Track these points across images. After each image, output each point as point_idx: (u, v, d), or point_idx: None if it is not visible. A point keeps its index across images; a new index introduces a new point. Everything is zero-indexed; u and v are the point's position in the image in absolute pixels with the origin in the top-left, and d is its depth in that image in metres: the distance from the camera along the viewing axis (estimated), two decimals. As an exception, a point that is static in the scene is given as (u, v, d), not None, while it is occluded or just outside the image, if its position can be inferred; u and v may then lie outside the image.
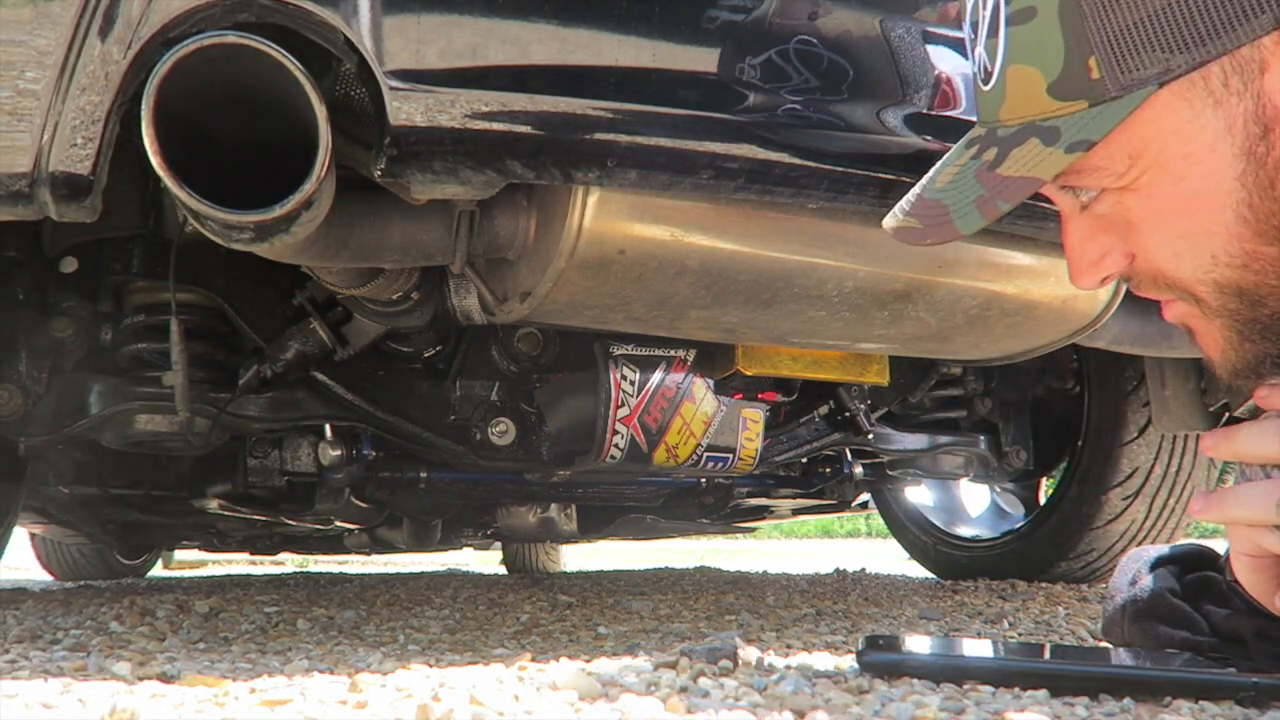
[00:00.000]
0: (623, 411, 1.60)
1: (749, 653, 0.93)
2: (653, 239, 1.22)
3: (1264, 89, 0.72)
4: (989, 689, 0.79)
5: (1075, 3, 0.73)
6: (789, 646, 1.25)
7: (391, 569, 4.99)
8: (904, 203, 0.88)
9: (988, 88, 0.81)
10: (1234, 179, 0.74)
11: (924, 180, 0.87)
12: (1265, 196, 0.73)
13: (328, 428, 1.70)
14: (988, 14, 0.80)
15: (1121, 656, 0.86)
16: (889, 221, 0.89)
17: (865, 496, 2.78)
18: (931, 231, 0.85)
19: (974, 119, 0.86)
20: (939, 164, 0.87)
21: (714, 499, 2.32)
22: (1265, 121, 0.72)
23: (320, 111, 0.95)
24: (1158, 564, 0.98)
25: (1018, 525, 2.45)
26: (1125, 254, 0.82)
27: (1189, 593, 0.94)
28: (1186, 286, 0.80)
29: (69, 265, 1.53)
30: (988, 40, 0.80)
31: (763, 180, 1.12)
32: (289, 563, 6.46)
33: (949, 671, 0.81)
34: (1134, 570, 0.99)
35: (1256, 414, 2.07)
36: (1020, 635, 1.49)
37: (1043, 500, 2.45)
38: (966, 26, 0.84)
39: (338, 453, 1.72)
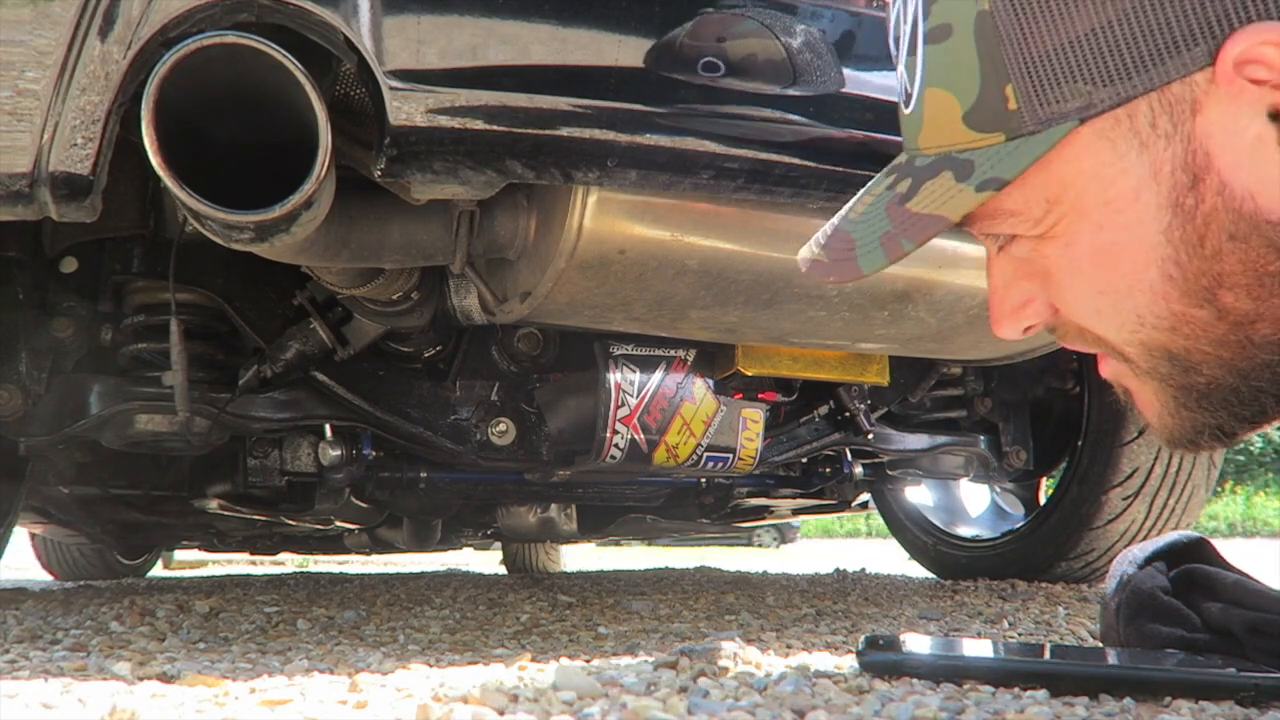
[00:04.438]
0: (623, 411, 1.60)
1: (749, 653, 0.93)
2: (653, 239, 1.22)
3: (1195, 132, 0.64)
4: (989, 689, 0.79)
5: (991, 23, 0.66)
6: (789, 646, 1.25)
7: (391, 569, 4.99)
8: (820, 233, 0.81)
9: (908, 111, 0.75)
10: (1159, 232, 0.66)
11: (844, 209, 0.80)
12: (1193, 254, 0.66)
13: (328, 428, 1.70)
14: (908, 29, 0.73)
15: (1121, 656, 0.86)
16: (803, 253, 0.82)
17: (865, 496, 2.78)
18: (836, 268, 0.77)
19: None
20: (862, 190, 0.80)
21: (714, 499, 2.32)
22: (1194, 170, 0.64)
23: (320, 111, 0.95)
24: (1145, 562, 0.98)
25: (1018, 525, 2.44)
26: (1048, 304, 0.76)
27: (1178, 588, 0.94)
28: (1112, 345, 0.74)
29: (69, 265, 1.53)
30: (908, 58, 0.73)
31: (763, 180, 1.12)
32: (289, 563, 6.46)
33: (949, 671, 0.82)
34: (1123, 572, 0.99)
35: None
36: (1020, 635, 1.49)
37: (1043, 500, 2.45)
38: (890, 42, 0.78)
39: (338, 453, 1.72)
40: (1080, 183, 0.68)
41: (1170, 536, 1.01)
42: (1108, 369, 0.78)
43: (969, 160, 0.69)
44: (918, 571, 2.91)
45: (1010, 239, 0.75)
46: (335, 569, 5.36)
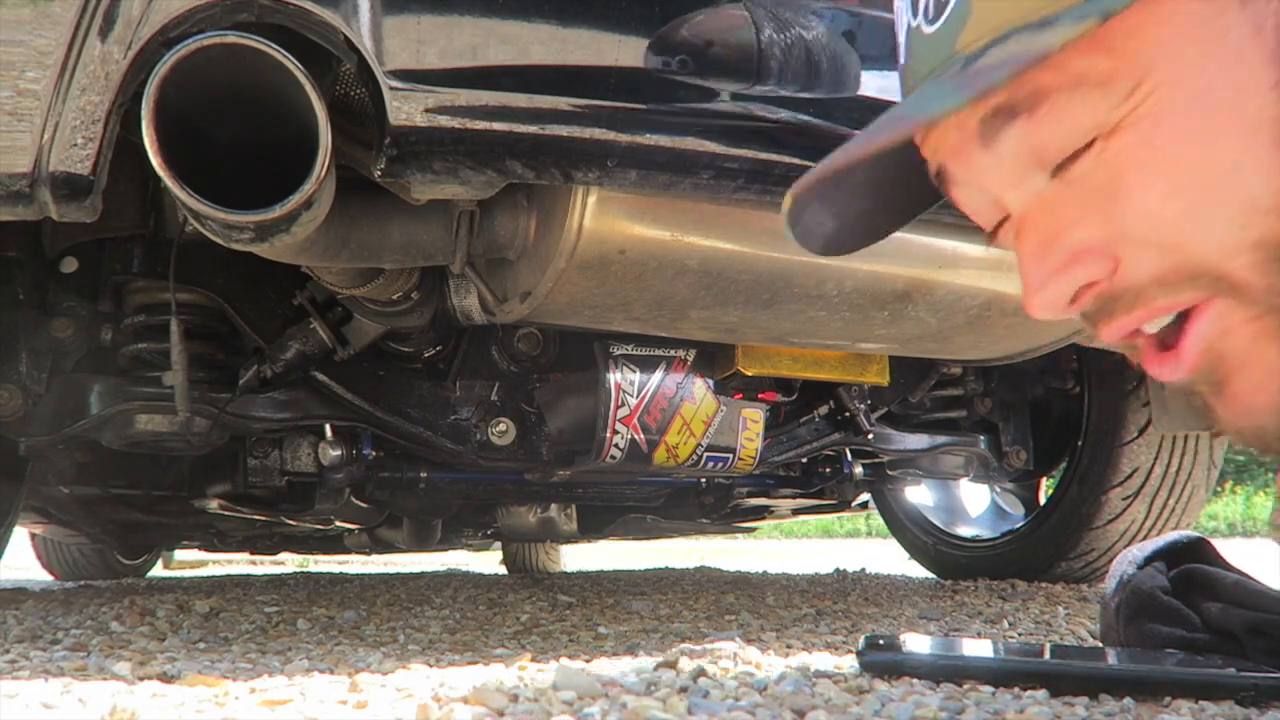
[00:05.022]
0: (623, 411, 1.60)
1: (749, 653, 0.93)
2: (653, 239, 1.22)
3: None
4: (989, 689, 0.79)
5: None
6: (789, 646, 1.25)
7: (391, 569, 4.99)
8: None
9: (938, 24, 0.64)
10: (1268, 89, 0.56)
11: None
12: None
13: (328, 428, 1.70)
14: None
15: (1121, 656, 0.86)
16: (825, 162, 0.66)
17: (865, 496, 2.78)
18: (884, 128, 0.63)
19: None
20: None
21: (714, 499, 2.32)
22: None
23: (320, 111, 0.95)
24: (1145, 562, 0.98)
25: (1018, 525, 2.45)
26: (1107, 254, 0.62)
27: (1178, 588, 0.94)
28: (1210, 264, 0.59)
29: (69, 265, 1.53)
30: None
31: (763, 180, 1.12)
32: (289, 563, 6.46)
33: (949, 671, 0.82)
34: (1123, 572, 0.99)
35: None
36: (1020, 635, 1.49)
37: (1043, 500, 2.45)
38: None
39: (338, 453, 1.72)
40: (1176, 46, 0.58)
41: (1170, 536, 1.01)
42: (1197, 340, 0.62)
43: (1047, 20, 0.58)
44: (918, 571, 2.91)
45: (1067, 159, 0.61)
46: (335, 569, 5.36)
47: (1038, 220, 0.64)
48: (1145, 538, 2.20)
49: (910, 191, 0.75)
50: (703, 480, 2.26)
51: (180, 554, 5.36)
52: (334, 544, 3.43)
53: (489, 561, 5.53)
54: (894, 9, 0.70)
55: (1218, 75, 0.57)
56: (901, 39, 0.69)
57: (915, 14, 0.66)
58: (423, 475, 1.88)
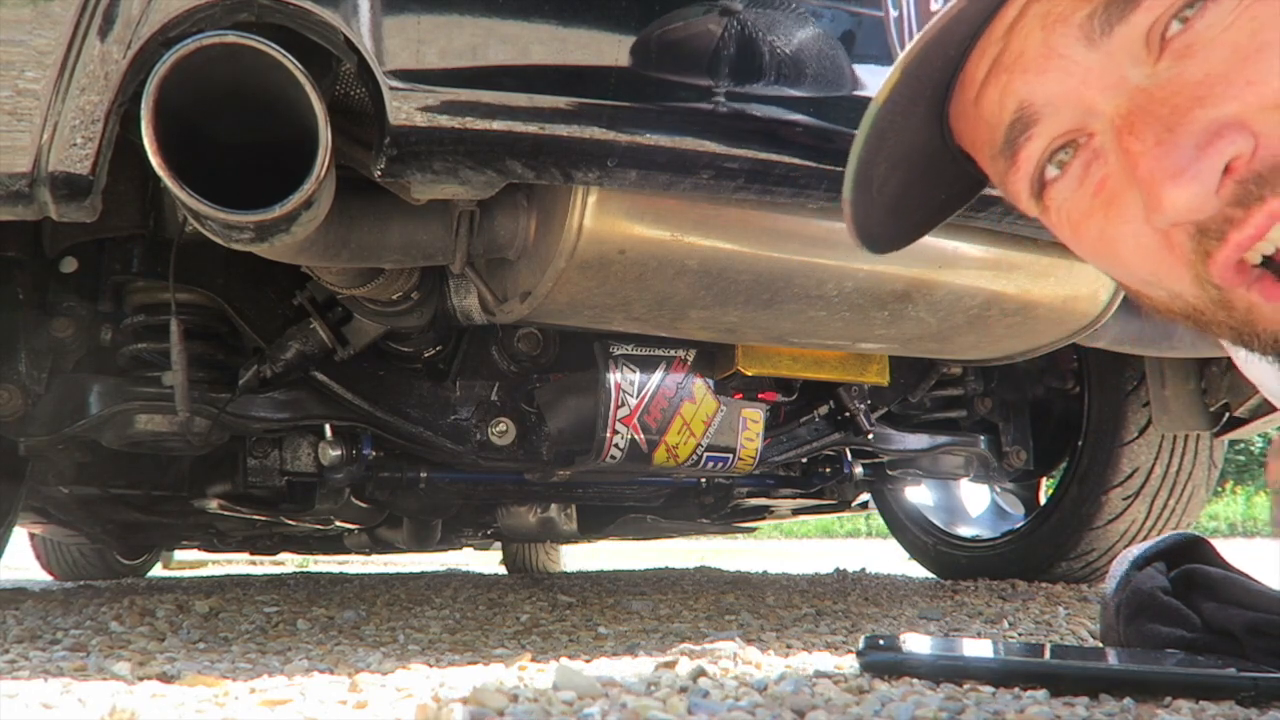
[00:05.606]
0: (623, 411, 1.60)
1: (749, 653, 0.93)
2: (653, 239, 1.22)
3: None
4: (989, 689, 0.79)
5: None
6: (789, 646, 1.25)
7: (391, 569, 4.99)
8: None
9: None
10: None
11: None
12: None
13: (328, 428, 1.70)
14: None
15: (1121, 656, 0.86)
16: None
17: (865, 496, 2.78)
18: None
19: None
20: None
21: (714, 499, 2.32)
22: None
23: (320, 111, 0.95)
24: (1145, 562, 0.98)
25: (1018, 525, 2.45)
26: (1245, 128, 0.53)
27: (1178, 588, 0.95)
28: None
29: (69, 265, 1.53)
30: None
31: (763, 180, 1.12)
32: (289, 563, 6.46)
33: (949, 671, 0.82)
34: (1123, 572, 0.99)
35: (1258, 413, 2.06)
36: (1020, 635, 1.49)
37: (1043, 500, 2.45)
38: None
39: (338, 453, 1.72)
40: None
41: (1169, 536, 1.01)
42: None
43: None
44: (918, 571, 2.91)
45: (1195, 14, 0.54)
46: (335, 569, 5.36)
47: (1154, 109, 0.56)
48: (1145, 538, 2.20)
49: (932, 197, 0.74)
50: (703, 480, 2.26)
51: (180, 554, 5.36)
52: (334, 544, 3.43)
53: (489, 561, 5.53)
54: None
55: None
56: None
57: None
58: (423, 475, 1.88)
